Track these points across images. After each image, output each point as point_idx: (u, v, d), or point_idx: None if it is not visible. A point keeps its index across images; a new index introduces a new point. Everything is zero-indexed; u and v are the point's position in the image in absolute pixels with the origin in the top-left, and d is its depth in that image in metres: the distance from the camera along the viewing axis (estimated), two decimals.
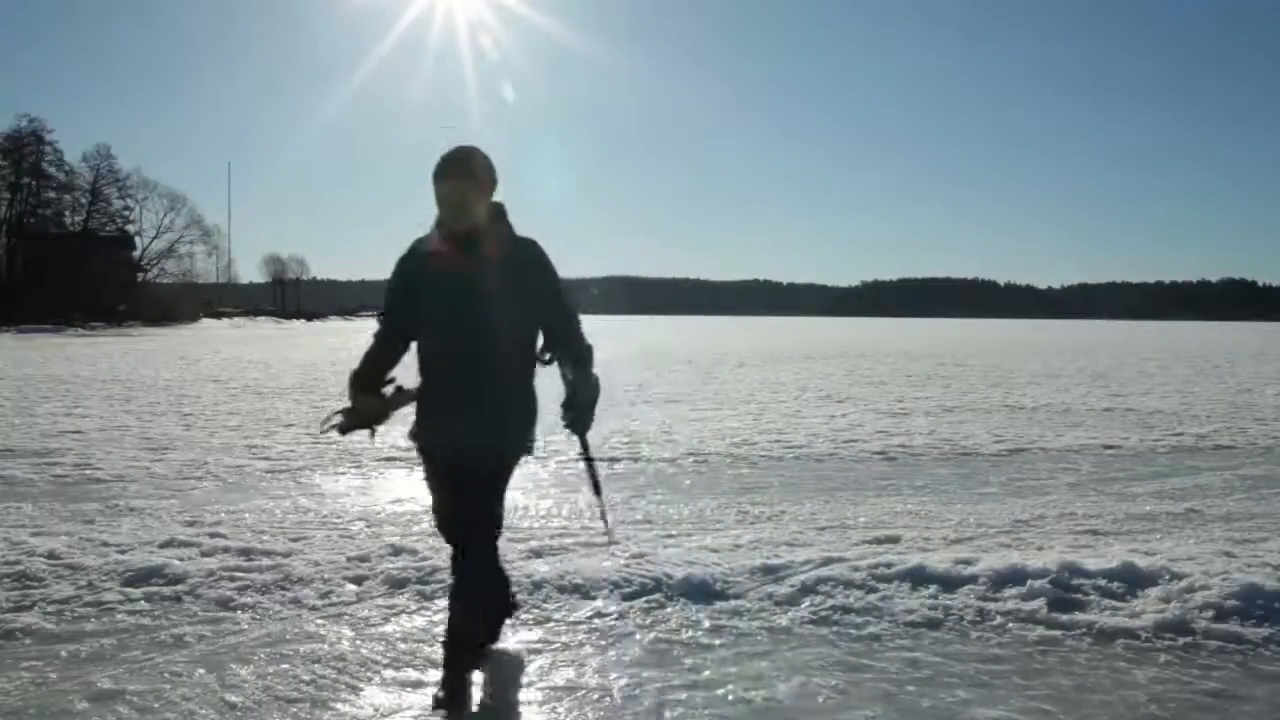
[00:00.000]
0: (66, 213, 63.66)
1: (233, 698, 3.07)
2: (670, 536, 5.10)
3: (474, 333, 2.97)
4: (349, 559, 4.51)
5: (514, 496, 5.94)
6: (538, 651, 3.50)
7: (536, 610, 3.90)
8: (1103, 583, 4.09)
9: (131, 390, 14.08)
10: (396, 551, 4.57)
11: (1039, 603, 3.91)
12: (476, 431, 2.97)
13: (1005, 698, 3.13)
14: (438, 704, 2.99)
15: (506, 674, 3.32)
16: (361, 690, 3.16)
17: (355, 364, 3.18)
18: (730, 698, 3.12)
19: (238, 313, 73.54)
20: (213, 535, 4.97)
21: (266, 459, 7.77)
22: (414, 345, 3.15)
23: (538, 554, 4.65)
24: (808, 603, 3.97)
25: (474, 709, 3.06)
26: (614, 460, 7.81)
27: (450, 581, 3.24)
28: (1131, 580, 4.11)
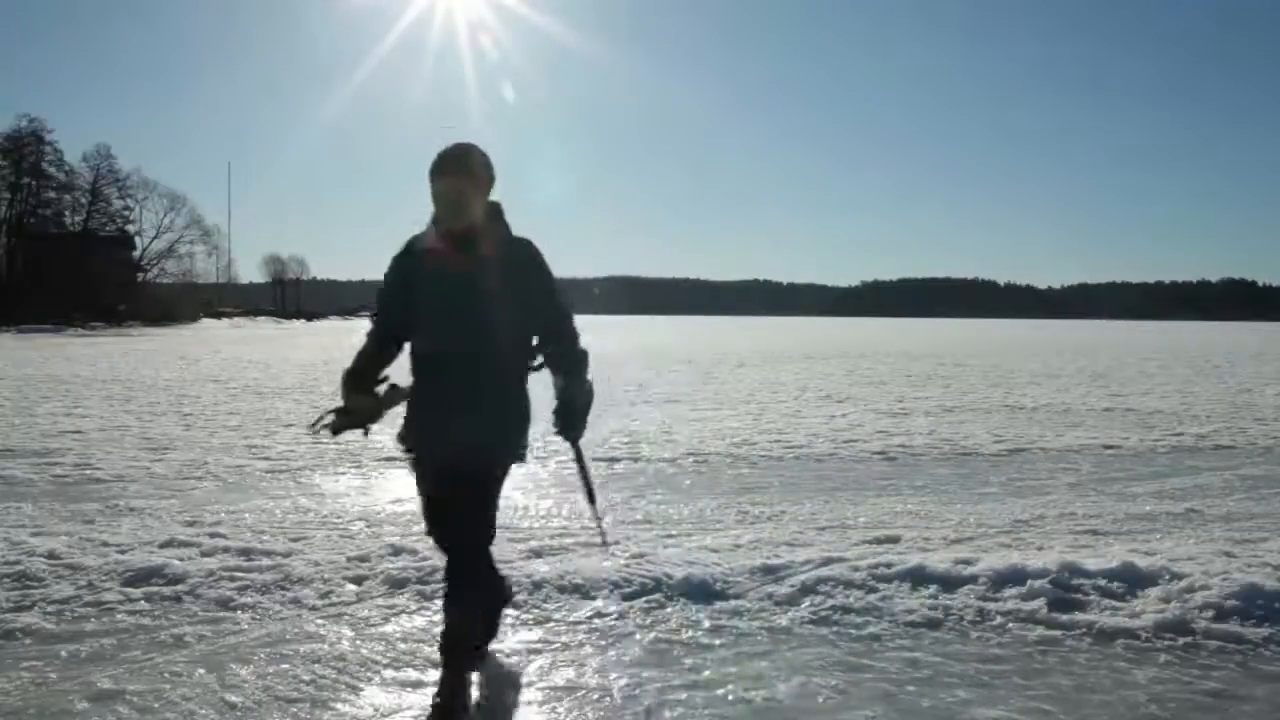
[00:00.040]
0: (66, 213, 63.75)
1: (233, 698, 3.07)
2: (670, 536, 5.10)
3: (474, 333, 2.93)
4: (349, 559, 4.51)
5: (514, 496, 5.95)
6: (538, 651, 3.50)
7: (536, 610, 3.90)
8: (1103, 583, 4.09)
9: (131, 390, 14.08)
10: (396, 551, 4.57)
11: (1039, 603, 3.91)
12: (475, 433, 2.92)
13: (1005, 698, 3.13)
14: (438, 705, 2.98)
15: (506, 674, 3.32)
16: (361, 690, 3.16)
17: (348, 363, 3.13)
18: (730, 698, 3.12)
19: (238, 313, 73.51)
20: (213, 535, 4.97)
21: (266, 459, 7.77)
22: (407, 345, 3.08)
23: (538, 554, 4.65)
24: (808, 603, 3.97)
25: (474, 709, 3.06)
26: (614, 460, 7.81)
27: (445, 587, 3.18)
28: (1131, 580, 4.11)
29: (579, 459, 3.19)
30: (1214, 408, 12.37)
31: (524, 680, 3.26)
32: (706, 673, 3.31)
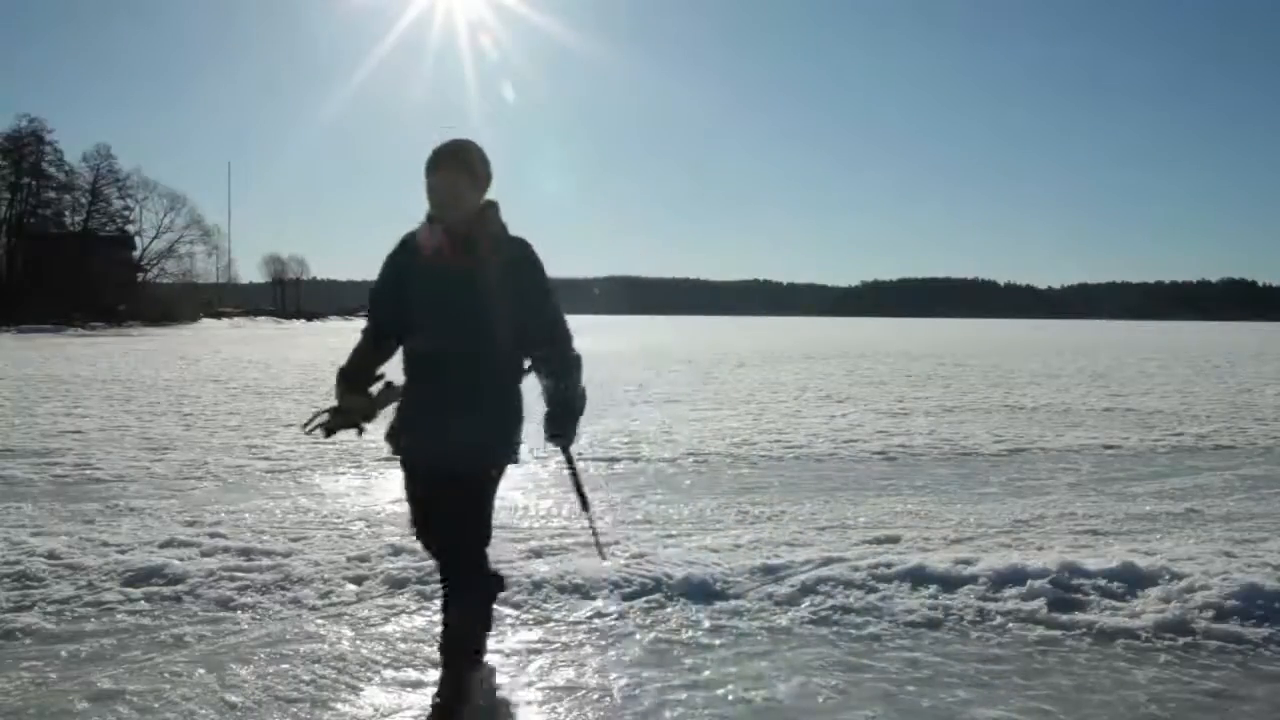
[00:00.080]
0: (66, 213, 63.72)
1: (233, 698, 3.07)
2: (670, 536, 5.10)
3: (472, 332, 2.89)
4: (349, 559, 4.51)
5: (514, 497, 5.95)
6: (538, 651, 3.50)
7: (536, 610, 3.90)
8: (1103, 583, 4.09)
9: (131, 390, 14.08)
10: (396, 551, 4.57)
11: (1039, 603, 3.91)
12: (473, 433, 2.87)
13: (1005, 698, 3.13)
14: (438, 705, 2.98)
15: (506, 674, 3.32)
16: (361, 690, 3.16)
17: (343, 361, 3.10)
18: (730, 698, 3.12)
19: (238, 313, 73.48)
20: (213, 535, 4.97)
21: (266, 459, 7.77)
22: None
23: (538, 554, 4.65)
24: (808, 603, 3.97)
25: (474, 709, 3.05)
26: (614, 460, 7.81)
27: (443, 588, 3.13)
28: (1131, 580, 4.11)
29: (571, 465, 3.13)
30: (1214, 408, 12.38)
31: (524, 680, 3.26)
32: (706, 673, 3.31)
